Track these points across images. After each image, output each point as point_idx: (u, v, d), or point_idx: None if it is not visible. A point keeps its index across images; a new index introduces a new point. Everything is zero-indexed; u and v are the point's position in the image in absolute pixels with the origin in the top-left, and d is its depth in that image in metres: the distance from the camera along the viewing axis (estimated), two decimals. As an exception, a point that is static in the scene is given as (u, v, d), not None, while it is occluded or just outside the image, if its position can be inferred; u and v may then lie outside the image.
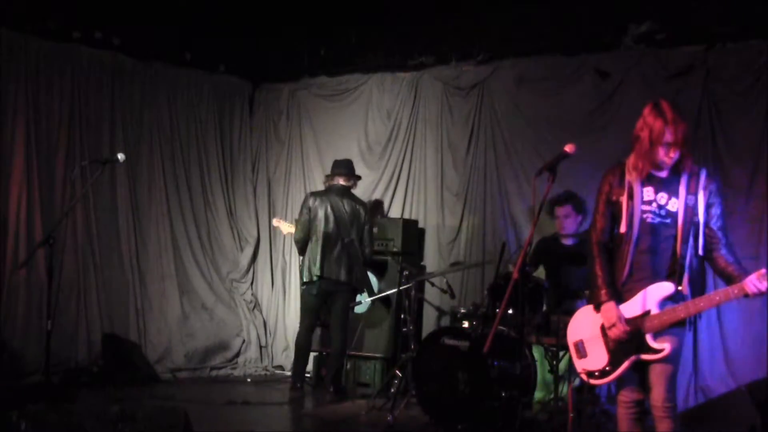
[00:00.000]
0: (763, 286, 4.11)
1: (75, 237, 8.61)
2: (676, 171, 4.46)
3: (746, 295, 4.18)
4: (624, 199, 4.48)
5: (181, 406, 5.90)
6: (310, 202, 8.04)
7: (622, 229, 4.48)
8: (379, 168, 9.48)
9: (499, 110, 8.74)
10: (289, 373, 9.12)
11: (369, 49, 9.44)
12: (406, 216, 9.19)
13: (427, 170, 9.17)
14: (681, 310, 4.30)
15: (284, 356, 9.71)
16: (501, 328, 6.94)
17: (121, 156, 7.09)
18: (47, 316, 6.42)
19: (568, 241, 7.43)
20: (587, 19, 8.13)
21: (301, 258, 8.15)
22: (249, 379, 9.14)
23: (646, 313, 4.37)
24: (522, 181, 8.50)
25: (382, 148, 9.49)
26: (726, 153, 7.56)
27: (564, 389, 6.85)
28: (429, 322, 8.78)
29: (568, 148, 4.59)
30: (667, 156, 4.36)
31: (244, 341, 9.78)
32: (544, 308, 7.07)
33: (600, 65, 8.16)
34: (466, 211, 8.87)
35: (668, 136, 4.32)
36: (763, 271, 4.12)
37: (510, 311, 6.89)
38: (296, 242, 8.18)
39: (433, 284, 8.24)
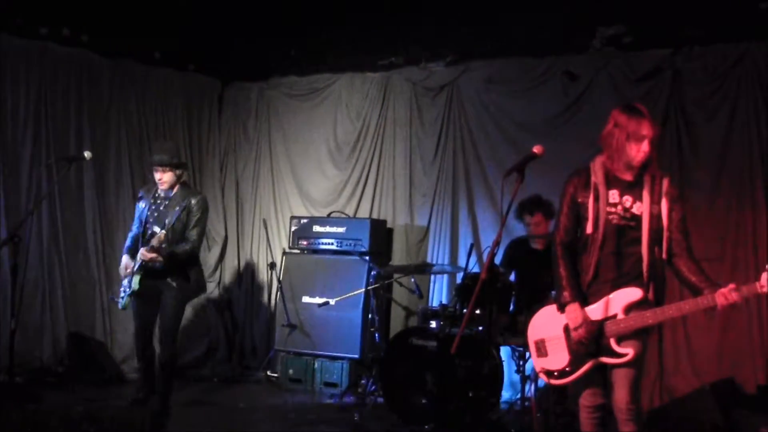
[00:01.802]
0: (732, 299, 4.16)
1: (40, 235, 8.51)
2: (640, 175, 4.51)
3: (714, 307, 4.22)
4: (590, 201, 4.51)
5: (148, 407, 5.89)
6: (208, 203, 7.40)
7: (588, 230, 4.50)
8: (347, 168, 9.48)
9: (468, 111, 8.77)
10: (260, 374, 9.08)
11: (339, 49, 9.41)
12: (375, 216, 9.20)
13: (396, 170, 9.19)
14: (650, 317, 4.33)
15: (252, 356, 9.68)
16: (468, 328, 6.96)
17: (88, 154, 7.01)
18: (11, 314, 6.34)
19: (537, 244, 7.45)
20: (556, 22, 8.17)
21: (194, 269, 7.12)
22: (216, 379, 9.08)
23: (612, 317, 4.40)
24: (490, 182, 8.54)
25: (350, 148, 9.49)
26: (691, 155, 7.65)
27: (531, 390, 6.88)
28: (397, 322, 8.79)
29: (537, 149, 4.60)
30: (640, 152, 4.40)
31: (211, 341, 9.73)
32: (512, 309, 7.11)
33: (569, 67, 8.22)
34: (435, 211, 8.89)
35: (644, 130, 4.38)
36: (733, 285, 4.17)
37: (478, 311, 6.91)
38: (196, 250, 7.18)
39: (401, 284, 8.25)
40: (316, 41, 9.24)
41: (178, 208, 6.93)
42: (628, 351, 4.35)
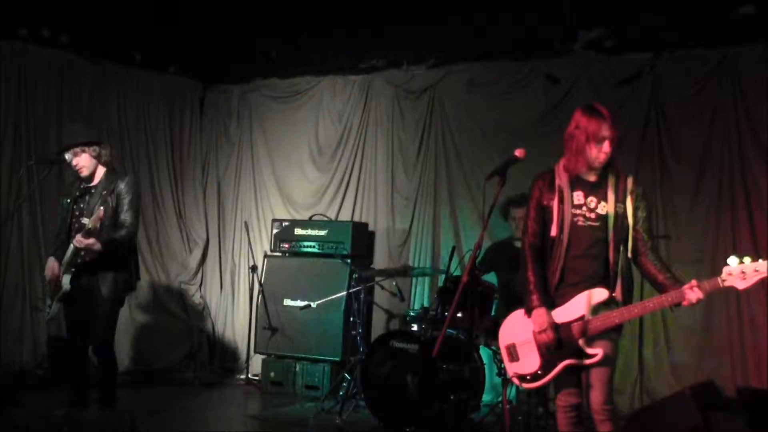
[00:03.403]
0: (693, 297, 4.20)
1: (21, 237, 8.46)
2: (604, 175, 4.55)
3: (678, 305, 4.26)
4: (555, 203, 4.54)
5: (128, 410, 5.86)
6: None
7: (553, 232, 4.53)
8: (329, 171, 9.46)
9: (449, 114, 8.79)
10: (240, 377, 9.08)
11: (321, 52, 9.41)
12: (357, 219, 9.20)
13: (378, 173, 9.19)
14: (616, 316, 4.37)
15: (233, 359, 9.66)
16: (450, 331, 6.97)
17: (68, 156, 6.97)
18: (-9, 318, 6.31)
19: (519, 244, 7.45)
20: (538, 25, 8.20)
21: (132, 262, 6.30)
22: (197, 382, 9.05)
23: (580, 318, 4.42)
24: (472, 185, 8.54)
25: (332, 150, 9.48)
26: (672, 159, 7.69)
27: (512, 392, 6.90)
28: (378, 325, 8.78)
29: (519, 152, 4.62)
30: (601, 152, 4.43)
31: (192, 344, 9.70)
32: (494, 312, 7.12)
33: (550, 71, 8.25)
34: (416, 215, 8.89)
35: (604, 131, 4.42)
36: (695, 282, 4.21)
37: (459, 314, 6.92)
38: (134, 236, 6.29)
39: (382, 287, 8.24)
40: (297, 43, 9.23)
41: (105, 192, 6.10)
42: (598, 351, 4.38)
